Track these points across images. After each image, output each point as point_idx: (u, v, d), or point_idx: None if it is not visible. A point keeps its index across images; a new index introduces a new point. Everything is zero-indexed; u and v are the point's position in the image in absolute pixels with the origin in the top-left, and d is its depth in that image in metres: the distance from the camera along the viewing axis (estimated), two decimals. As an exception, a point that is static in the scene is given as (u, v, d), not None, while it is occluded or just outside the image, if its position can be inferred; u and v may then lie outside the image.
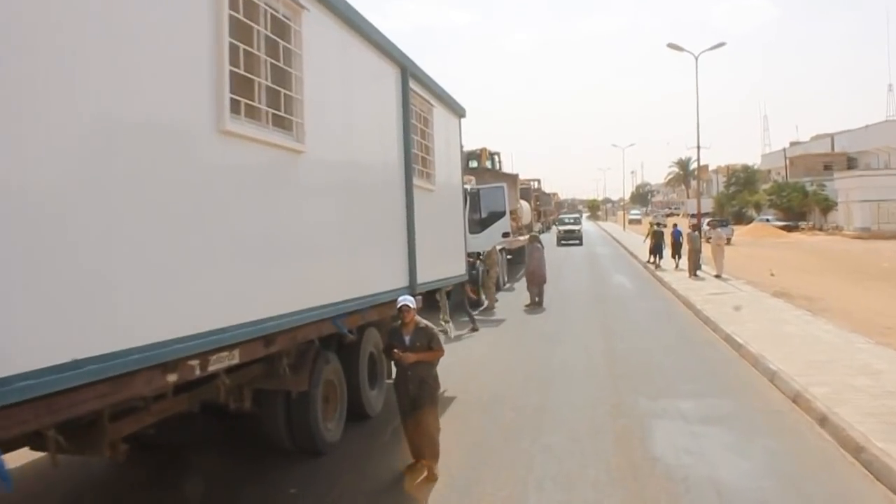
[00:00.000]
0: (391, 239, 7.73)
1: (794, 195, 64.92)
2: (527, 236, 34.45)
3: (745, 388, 9.66)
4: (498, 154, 30.51)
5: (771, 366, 10.17)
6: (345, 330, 6.98)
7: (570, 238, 47.99)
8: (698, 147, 27.55)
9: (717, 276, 22.85)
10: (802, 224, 62.81)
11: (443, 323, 11.29)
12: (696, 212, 32.48)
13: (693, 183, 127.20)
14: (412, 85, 8.35)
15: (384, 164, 7.52)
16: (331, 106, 6.38)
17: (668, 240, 29.30)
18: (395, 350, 6.51)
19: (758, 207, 74.30)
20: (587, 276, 26.85)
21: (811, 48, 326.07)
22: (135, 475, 7.01)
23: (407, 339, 6.53)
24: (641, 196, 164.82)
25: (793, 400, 8.74)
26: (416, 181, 8.29)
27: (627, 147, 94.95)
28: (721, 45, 28.68)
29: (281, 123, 5.60)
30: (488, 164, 29.11)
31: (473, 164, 28.67)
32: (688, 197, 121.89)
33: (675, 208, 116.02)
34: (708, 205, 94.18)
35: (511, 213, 27.15)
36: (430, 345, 6.55)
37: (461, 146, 11.06)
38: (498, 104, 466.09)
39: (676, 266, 28.02)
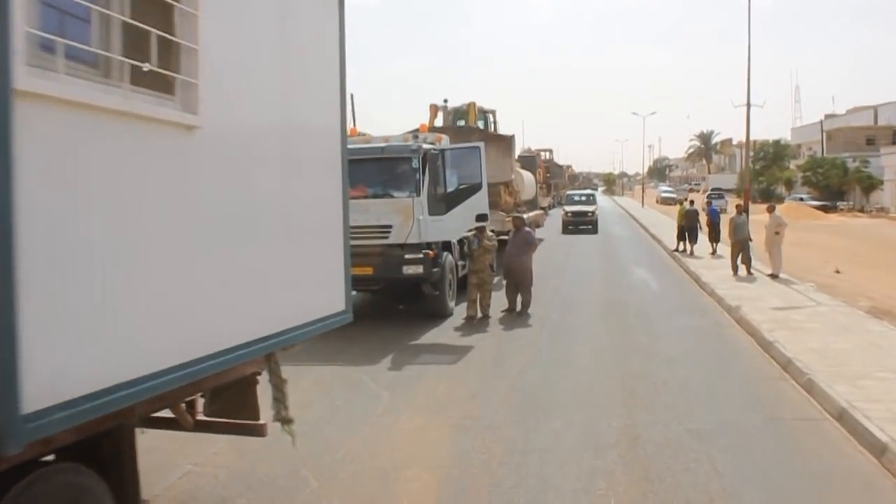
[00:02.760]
0: None
1: (832, 172, 58.67)
2: (533, 213, 28.61)
3: None
4: (493, 112, 24.64)
5: None
6: None
7: (581, 223, 35.45)
8: (748, 105, 21.57)
9: (773, 276, 17.10)
10: (841, 204, 56.60)
11: (283, 427, 5.61)
12: (742, 188, 26.50)
13: (715, 158, 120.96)
14: None
15: None
16: None
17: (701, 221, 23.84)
18: None
19: (789, 185, 68.17)
20: (599, 270, 20.96)
21: (842, 21, 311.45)
22: None
23: None
24: (659, 171, 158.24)
25: None
26: (55, 89, 2.67)
27: (648, 115, 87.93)
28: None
29: None
30: (479, 124, 23.30)
31: (461, 122, 22.95)
32: (709, 172, 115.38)
33: (696, 184, 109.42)
34: (731, 181, 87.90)
35: (505, 185, 21.47)
36: None
37: (342, 48, 5.36)
38: (517, 75, 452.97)
39: (713, 252, 22.58)
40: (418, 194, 12.35)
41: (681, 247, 23.68)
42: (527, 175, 27.30)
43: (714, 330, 12.14)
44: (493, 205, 21.00)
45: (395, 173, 12.72)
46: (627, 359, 10.11)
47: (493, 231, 17.43)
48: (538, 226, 31.81)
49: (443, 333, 12.11)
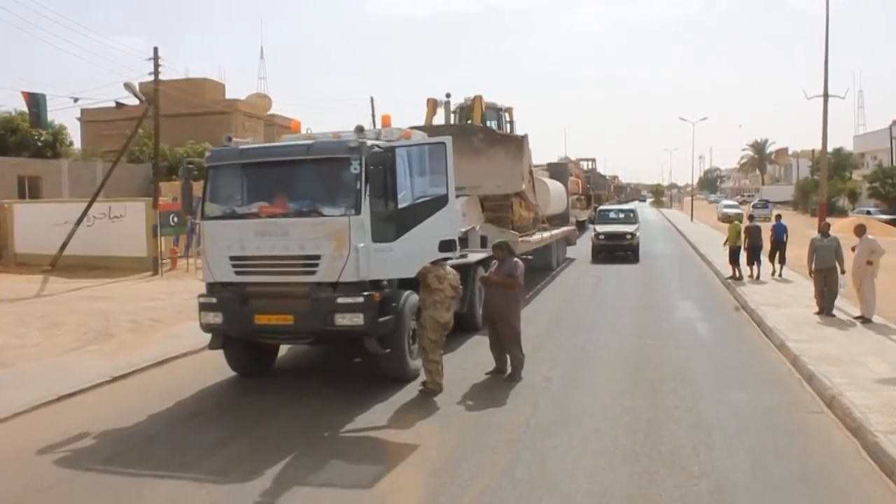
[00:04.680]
0: None
1: (904, 182, 53.07)
2: (560, 230, 24.26)
3: None
4: (509, 110, 20.59)
5: None
6: None
7: (616, 249, 26.45)
8: (825, 95, 17.27)
9: (864, 320, 12.84)
10: (915, 218, 50.92)
11: None
12: (800, 199, 21.96)
13: (769, 168, 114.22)
14: None
15: None
16: None
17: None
18: None
19: (852, 197, 62.48)
20: (633, 305, 16.51)
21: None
22: None
23: None
24: (710, 182, 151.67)
25: None
26: None
27: (698, 121, 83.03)
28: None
29: None
30: (492, 124, 19.44)
31: (469, 122, 19.10)
32: (763, 183, 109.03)
33: (748, 195, 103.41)
34: (787, 192, 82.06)
35: (518, 196, 17.64)
36: None
37: None
38: (563, 85, 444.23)
39: (775, 273, 18.99)
40: (357, 212, 8.59)
41: (736, 273, 19.43)
42: (553, 185, 23.35)
43: (793, 419, 8.02)
44: (503, 222, 17.03)
45: (327, 182, 8.98)
46: (655, 484, 6.13)
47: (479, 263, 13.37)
48: (569, 243, 27.64)
49: (385, 413, 8.29)
